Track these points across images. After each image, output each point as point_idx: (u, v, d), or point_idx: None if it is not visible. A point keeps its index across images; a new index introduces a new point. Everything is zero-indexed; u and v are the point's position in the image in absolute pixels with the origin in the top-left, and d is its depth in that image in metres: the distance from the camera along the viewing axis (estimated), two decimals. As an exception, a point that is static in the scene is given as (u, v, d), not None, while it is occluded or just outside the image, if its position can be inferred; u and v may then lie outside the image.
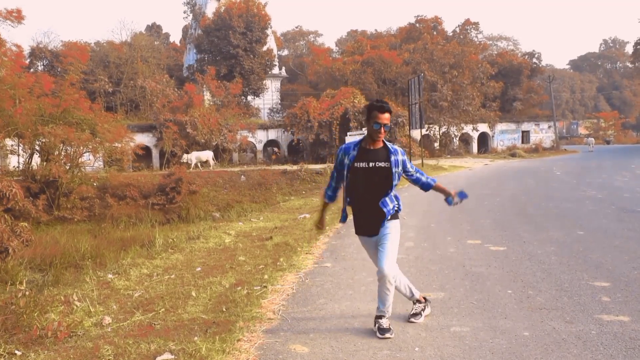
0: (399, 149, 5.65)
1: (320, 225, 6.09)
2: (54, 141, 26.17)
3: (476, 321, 5.88)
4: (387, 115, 5.46)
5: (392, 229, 5.64)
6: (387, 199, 5.57)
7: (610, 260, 8.48)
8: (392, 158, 5.51)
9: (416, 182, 5.91)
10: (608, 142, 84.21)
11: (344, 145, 5.76)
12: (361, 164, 5.49)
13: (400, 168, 5.58)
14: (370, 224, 5.64)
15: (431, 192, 6.08)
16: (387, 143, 5.61)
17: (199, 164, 37.40)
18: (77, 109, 28.67)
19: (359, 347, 5.24)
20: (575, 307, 6.22)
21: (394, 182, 5.55)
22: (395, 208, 5.71)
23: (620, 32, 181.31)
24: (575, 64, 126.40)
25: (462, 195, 6.08)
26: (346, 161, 5.56)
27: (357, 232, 5.81)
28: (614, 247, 9.49)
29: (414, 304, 6.02)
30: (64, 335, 5.76)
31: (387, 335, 5.44)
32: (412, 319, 5.87)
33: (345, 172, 5.60)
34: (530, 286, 7.13)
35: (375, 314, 5.70)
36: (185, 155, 37.15)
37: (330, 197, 5.89)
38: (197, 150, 38.95)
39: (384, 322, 5.58)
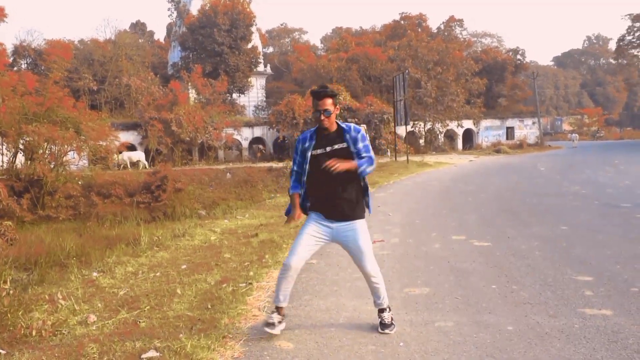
0: (354, 126, 5.45)
1: (298, 215, 5.59)
2: (38, 140, 26.02)
3: (460, 316, 5.91)
4: (326, 100, 5.25)
5: (363, 228, 5.50)
6: (351, 186, 5.37)
7: (594, 255, 8.55)
8: (347, 136, 5.34)
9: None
10: (600, 138, 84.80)
11: (301, 135, 5.61)
12: (318, 151, 5.35)
13: (355, 148, 5.34)
14: (332, 209, 5.41)
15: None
16: (342, 124, 5.43)
17: (128, 165, 37.12)
18: (61, 107, 28.50)
19: (344, 342, 5.25)
20: (559, 302, 6.27)
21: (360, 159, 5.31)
22: (365, 202, 5.53)
23: (603, 29, 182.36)
24: (559, 61, 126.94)
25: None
26: (303, 150, 5.45)
27: (311, 209, 5.56)
28: (597, 242, 9.57)
29: (277, 313, 5.58)
30: (48, 333, 5.74)
31: (387, 331, 5.44)
32: (267, 328, 5.42)
33: (304, 163, 5.45)
34: (514, 281, 7.18)
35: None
36: (115, 156, 36.00)
37: (296, 188, 5.60)
38: (187, 148, 38.79)
39: (386, 317, 5.55)
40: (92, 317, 6.24)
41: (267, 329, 5.33)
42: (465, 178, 24.68)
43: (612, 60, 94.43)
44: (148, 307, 6.55)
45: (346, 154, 5.27)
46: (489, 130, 60.73)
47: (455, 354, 4.89)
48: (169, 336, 5.43)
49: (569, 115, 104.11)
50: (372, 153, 5.38)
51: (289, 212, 5.71)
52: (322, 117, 5.26)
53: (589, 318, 5.68)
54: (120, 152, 37.43)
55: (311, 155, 5.36)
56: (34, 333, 5.69)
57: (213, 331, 5.55)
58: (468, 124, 57.11)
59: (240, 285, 7.39)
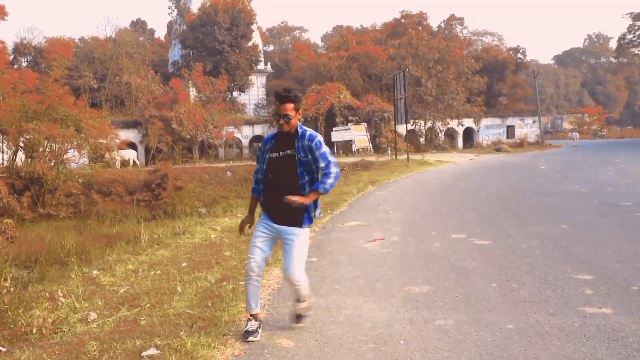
0: (309, 134, 5.29)
1: (248, 224, 5.66)
2: (38, 138, 26.00)
3: (461, 314, 5.91)
4: (288, 105, 5.16)
5: (301, 237, 5.38)
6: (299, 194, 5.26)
7: (594, 253, 8.55)
8: (298, 143, 5.24)
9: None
10: (602, 136, 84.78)
11: (266, 137, 5.57)
12: (273, 154, 5.31)
13: (309, 156, 5.24)
14: (278, 213, 5.37)
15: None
16: (300, 128, 5.31)
17: (118, 163, 36.99)
18: (61, 105, 28.46)
19: (344, 340, 5.26)
20: (559, 300, 6.27)
21: (299, 170, 5.24)
22: (311, 211, 5.42)
23: (604, 28, 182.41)
24: (559, 59, 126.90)
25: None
26: (264, 152, 5.42)
27: (263, 208, 5.57)
28: (597, 241, 9.57)
29: (253, 320, 5.49)
30: (49, 331, 5.76)
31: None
32: (250, 337, 5.32)
33: (262, 164, 5.44)
34: (514, 280, 7.19)
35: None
36: (107, 155, 35.20)
37: (255, 191, 5.59)
38: (187, 146, 38.76)
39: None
40: (93, 315, 6.25)
41: (251, 338, 5.28)
42: (465, 177, 24.68)
43: (612, 59, 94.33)
44: (148, 305, 6.57)
45: (292, 161, 5.24)
46: (489, 129, 60.68)
47: (455, 352, 4.90)
48: (169, 334, 5.44)
49: (570, 114, 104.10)
50: (331, 160, 5.27)
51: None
52: (282, 122, 5.20)
53: (589, 317, 5.68)
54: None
55: (268, 157, 5.35)
56: (34, 331, 5.71)
57: (213, 329, 5.56)
58: (468, 122, 57.04)
59: (241, 283, 7.38)
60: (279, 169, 5.28)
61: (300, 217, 5.32)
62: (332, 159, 5.26)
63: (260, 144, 5.79)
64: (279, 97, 5.21)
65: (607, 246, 9.08)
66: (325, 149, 5.28)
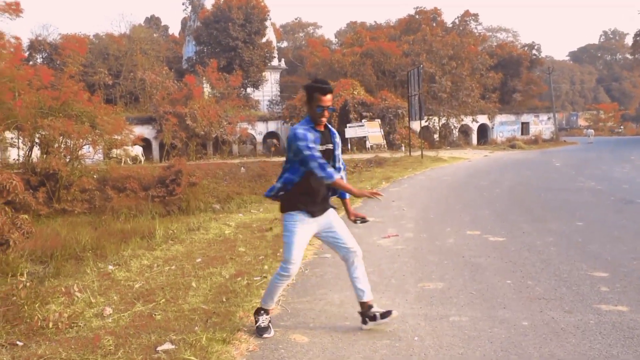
0: (336, 131, 5.45)
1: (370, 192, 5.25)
2: (53, 134, 26.11)
3: (475, 311, 5.90)
4: (330, 96, 5.09)
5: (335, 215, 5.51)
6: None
7: (609, 250, 8.51)
8: (334, 139, 5.31)
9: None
10: (619, 134, 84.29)
11: (298, 127, 5.13)
12: (322, 147, 5.14)
13: (339, 150, 5.38)
14: (321, 205, 5.35)
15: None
16: (328, 125, 5.33)
17: (128, 159, 37.11)
18: (76, 101, 28.61)
19: (359, 336, 5.26)
20: (574, 297, 6.24)
21: (337, 165, 5.33)
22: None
23: (620, 24, 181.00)
24: (574, 56, 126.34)
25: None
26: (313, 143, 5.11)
27: (309, 213, 5.26)
28: (612, 238, 9.52)
29: (265, 314, 5.47)
30: (65, 326, 5.78)
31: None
32: (265, 334, 5.32)
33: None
34: (529, 276, 7.16)
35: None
36: (114, 151, 35.47)
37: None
38: (201, 142, 38.90)
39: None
40: (108, 310, 6.28)
41: (265, 334, 5.28)
42: (479, 173, 24.59)
43: (628, 56, 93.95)
44: (163, 300, 6.59)
45: (331, 156, 5.29)
46: (503, 126, 60.43)
47: (469, 349, 4.89)
48: (184, 329, 5.46)
49: (585, 110, 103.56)
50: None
51: (269, 194, 5.42)
52: (326, 114, 5.12)
53: (605, 314, 5.66)
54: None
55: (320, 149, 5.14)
56: (50, 325, 5.73)
57: (228, 324, 5.58)
58: (483, 119, 56.82)
59: (255, 278, 7.41)
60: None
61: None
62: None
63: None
64: (321, 89, 5.08)
65: (623, 243, 9.03)
66: None
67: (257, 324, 5.37)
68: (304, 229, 5.25)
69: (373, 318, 5.36)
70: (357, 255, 5.44)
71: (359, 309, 5.50)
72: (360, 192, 5.25)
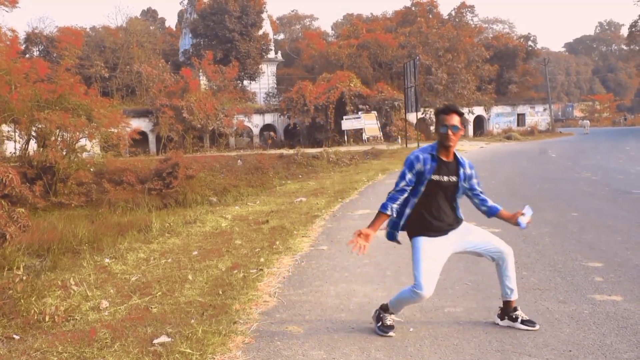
0: (468, 162, 5.19)
1: (368, 237, 5.02)
2: (50, 127, 26.10)
3: (470, 302, 5.94)
4: (455, 116, 4.90)
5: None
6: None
7: (604, 241, 8.54)
8: (461, 171, 5.08)
9: (481, 203, 5.44)
10: (625, 120, 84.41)
11: (418, 153, 5.07)
12: (438, 177, 5.00)
13: (467, 183, 5.18)
14: (446, 224, 5.18)
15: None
16: (457, 154, 5.14)
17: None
18: (72, 94, 28.54)
19: (354, 328, 5.29)
20: (569, 288, 6.27)
21: (457, 196, 5.18)
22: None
23: (615, 15, 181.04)
24: (570, 47, 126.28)
25: (528, 212, 5.44)
26: (420, 171, 5.00)
27: (424, 234, 5.15)
28: (607, 228, 9.56)
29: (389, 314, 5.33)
30: (61, 319, 5.80)
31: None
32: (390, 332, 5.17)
33: (419, 184, 5.03)
34: (524, 267, 7.18)
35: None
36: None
37: (397, 211, 5.09)
38: (198, 134, 38.88)
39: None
40: (105, 303, 6.30)
41: (391, 333, 5.11)
42: (475, 164, 24.44)
43: (624, 47, 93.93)
44: (160, 293, 6.61)
45: (455, 189, 5.12)
46: (499, 117, 60.44)
47: (464, 339, 4.91)
48: (180, 322, 5.48)
49: (581, 101, 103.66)
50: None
51: (392, 237, 5.41)
52: (451, 133, 4.91)
53: (599, 304, 5.69)
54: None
55: (431, 179, 4.99)
56: (47, 319, 5.75)
57: (224, 317, 5.59)
58: (479, 110, 56.84)
59: (251, 271, 7.43)
60: (442, 195, 5.13)
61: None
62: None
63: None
64: (444, 110, 5.01)
65: (618, 233, 9.07)
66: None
67: (381, 322, 5.19)
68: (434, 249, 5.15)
69: (514, 319, 5.17)
70: (508, 255, 5.30)
71: (500, 304, 5.33)
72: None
